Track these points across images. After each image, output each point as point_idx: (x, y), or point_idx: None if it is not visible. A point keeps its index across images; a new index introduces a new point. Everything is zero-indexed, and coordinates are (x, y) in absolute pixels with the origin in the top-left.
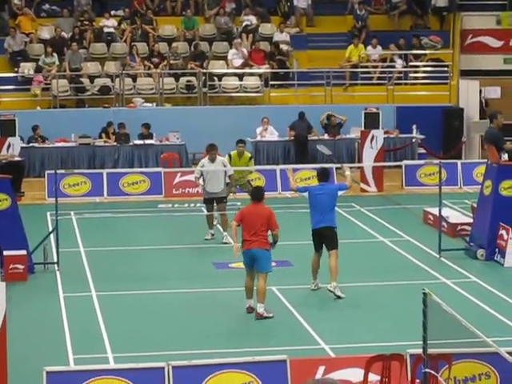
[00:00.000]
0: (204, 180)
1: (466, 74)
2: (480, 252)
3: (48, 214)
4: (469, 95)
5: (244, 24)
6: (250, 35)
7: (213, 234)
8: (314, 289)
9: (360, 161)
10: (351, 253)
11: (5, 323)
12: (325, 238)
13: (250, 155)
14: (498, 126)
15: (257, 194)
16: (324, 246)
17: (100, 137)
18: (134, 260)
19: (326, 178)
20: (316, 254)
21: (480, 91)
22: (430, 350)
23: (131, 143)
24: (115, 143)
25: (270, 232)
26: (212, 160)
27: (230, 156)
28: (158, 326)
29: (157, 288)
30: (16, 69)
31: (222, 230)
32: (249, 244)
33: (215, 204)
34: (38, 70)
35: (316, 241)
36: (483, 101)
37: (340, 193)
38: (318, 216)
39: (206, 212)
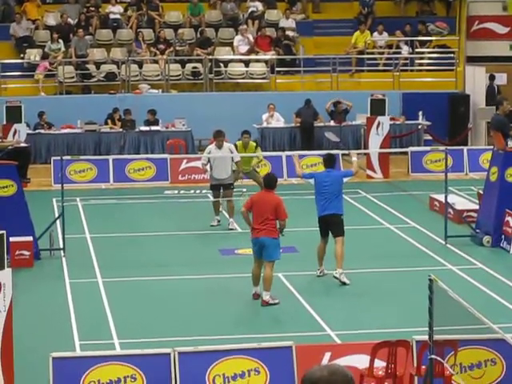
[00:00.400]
0: (211, 166)
1: (473, 60)
2: (486, 238)
3: (54, 200)
4: (475, 82)
5: (250, 10)
6: (256, 21)
7: (219, 221)
8: (319, 275)
9: (366, 147)
10: (357, 239)
11: (11, 309)
12: (330, 224)
13: (255, 144)
14: (504, 113)
15: (269, 182)
16: (330, 233)
17: (106, 123)
18: (139, 246)
19: (332, 164)
20: (322, 240)
21: (493, 77)
22: (436, 337)
23: (137, 129)
24: (121, 129)
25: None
26: (219, 146)
27: (236, 146)
28: (163, 312)
29: (163, 274)
30: (22, 55)
31: (227, 216)
32: (257, 232)
33: (222, 190)
34: (45, 56)
35: (322, 228)
36: (495, 87)
37: (345, 179)
38: (324, 203)
39: (212, 198)
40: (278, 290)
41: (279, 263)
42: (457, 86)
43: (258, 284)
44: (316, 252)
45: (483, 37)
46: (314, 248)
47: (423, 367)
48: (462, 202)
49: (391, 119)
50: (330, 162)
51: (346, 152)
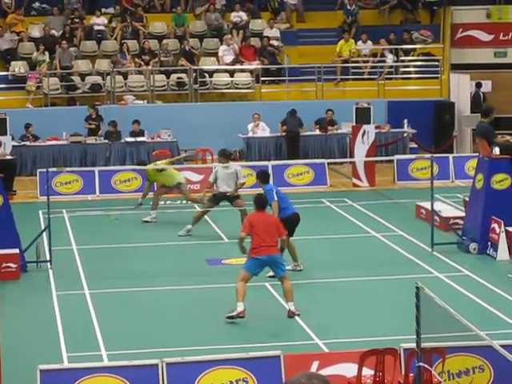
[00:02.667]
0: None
1: (457, 67)
2: (472, 246)
3: (40, 212)
4: (460, 89)
5: (234, 20)
6: (241, 31)
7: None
8: (300, 269)
9: (352, 156)
10: (344, 248)
11: None
12: (296, 222)
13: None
14: (490, 121)
15: (262, 203)
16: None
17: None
18: (126, 257)
19: (268, 179)
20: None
21: (480, 85)
22: (424, 344)
23: (123, 141)
24: (106, 141)
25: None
26: (226, 167)
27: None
28: (151, 323)
29: (150, 285)
30: (7, 66)
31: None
32: (266, 250)
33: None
34: (33, 67)
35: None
36: (481, 94)
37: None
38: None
39: (202, 208)
40: (266, 300)
41: (266, 272)
42: (441, 93)
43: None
44: (293, 249)
45: (467, 44)
46: (300, 257)
47: (411, 375)
48: (448, 209)
49: (376, 127)
50: (267, 176)
51: (333, 161)
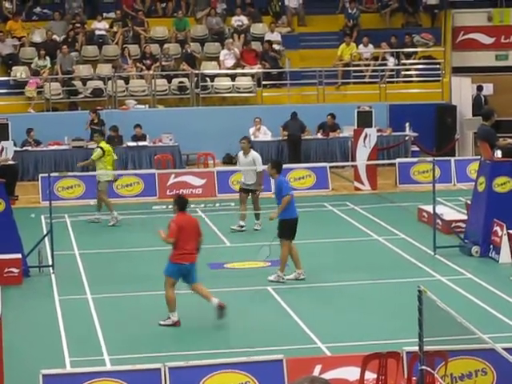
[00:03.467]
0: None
1: (458, 71)
2: (475, 249)
3: (42, 217)
4: (461, 92)
5: (235, 24)
6: (242, 35)
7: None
8: (303, 277)
9: (353, 159)
10: (346, 251)
11: (0, 327)
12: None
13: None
14: (491, 124)
15: (184, 203)
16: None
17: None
18: (128, 262)
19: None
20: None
21: (481, 88)
22: (426, 348)
23: (124, 145)
24: (108, 145)
25: None
26: (245, 153)
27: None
28: (153, 327)
29: (152, 290)
30: (9, 71)
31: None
32: (190, 257)
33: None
34: (34, 73)
35: (294, 229)
36: (482, 97)
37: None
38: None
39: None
40: (268, 303)
41: (268, 275)
42: (443, 96)
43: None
44: (295, 255)
45: (469, 47)
46: (302, 261)
47: (414, 378)
48: (450, 212)
49: (378, 131)
50: (281, 166)
51: (335, 164)
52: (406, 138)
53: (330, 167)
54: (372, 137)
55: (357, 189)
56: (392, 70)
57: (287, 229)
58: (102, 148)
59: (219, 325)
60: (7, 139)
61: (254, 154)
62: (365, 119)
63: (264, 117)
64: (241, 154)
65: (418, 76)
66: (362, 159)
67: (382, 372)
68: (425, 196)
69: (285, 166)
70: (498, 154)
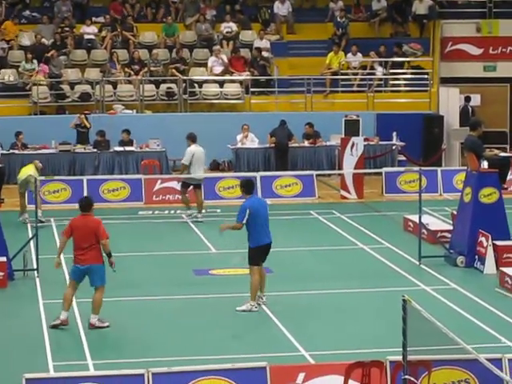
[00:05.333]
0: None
1: (446, 81)
2: (460, 259)
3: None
4: (449, 102)
5: (224, 31)
6: (231, 42)
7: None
8: (255, 310)
9: (340, 168)
10: (331, 259)
11: None
12: (266, 253)
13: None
14: (478, 135)
15: (86, 204)
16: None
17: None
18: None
19: (252, 189)
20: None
21: (469, 98)
22: (410, 357)
23: (111, 150)
24: (95, 150)
25: None
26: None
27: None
28: (137, 332)
29: (136, 295)
30: None
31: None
32: (83, 260)
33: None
34: (20, 77)
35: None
36: (470, 108)
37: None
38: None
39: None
40: (252, 311)
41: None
42: (431, 106)
43: (69, 309)
44: (253, 285)
45: (457, 58)
46: (287, 268)
47: None
48: (435, 222)
49: (365, 140)
50: (251, 187)
51: (321, 172)
52: (393, 147)
53: (317, 175)
54: (359, 145)
55: (343, 197)
56: (380, 80)
57: (254, 256)
58: None
59: (203, 331)
60: None
61: (187, 148)
62: (352, 128)
63: (252, 124)
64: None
65: (405, 86)
66: (349, 168)
67: (366, 381)
68: (411, 206)
69: (271, 173)
70: (485, 164)
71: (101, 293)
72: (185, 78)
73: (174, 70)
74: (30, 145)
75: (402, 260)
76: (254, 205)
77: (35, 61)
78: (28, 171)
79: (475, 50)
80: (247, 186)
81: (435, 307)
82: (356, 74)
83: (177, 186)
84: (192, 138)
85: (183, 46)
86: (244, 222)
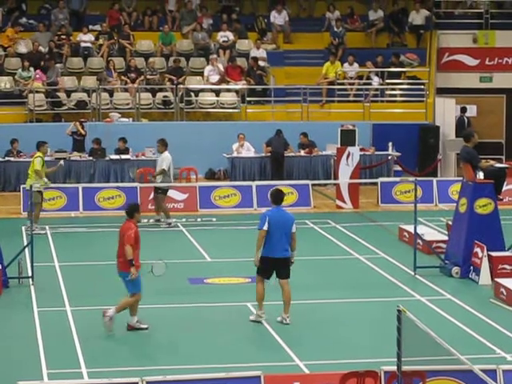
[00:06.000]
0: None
1: (443, 91)
2: (455, 270)
3: (23, 228)
4: (445, 113)
5: (221, 40)
6: (227, 51)
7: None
8: (260, 319)
9: (336, 178)
10: (326, 269)
11: None
12: (277, 268)
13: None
14: (473, 145)
15: (126, 210)
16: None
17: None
18: (108, 275)
19: (278, 200)
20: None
21: (465, 109)
22: (404, 367)
23: (107, 158)
24: (91, 158)
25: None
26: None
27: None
28: (132, 341)
29: None
30: None
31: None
32: (117, 267)
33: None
34: (16, 84)
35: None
36: (465, 119)
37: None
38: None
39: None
40: (247, 320)
41: (248, 293)
42: (427, 117)
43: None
44: (257, 295)
45: (453, 69)
46: None
47: None
48: (431, 232)
49: (361, 150)
50: (277, 198)
51: (317, 182)
52: (389, 157)
53: (313, 185)
54: (355, 155)
55: (338, 207)
56: (376, 90)
57: (261, 266)
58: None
59: (198, 340)
60: None
61: (163, 154)
62: (348, 138)
63: (247, 133)
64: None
65: (402, 96)
66: (345, 178)
67: None
68: (406, 216)
69: (267, 182)
70: (480, 175)
71: (132, 298)
72: (181, 86)
73: (166, 78)
74: (25, 152)
75: (397, 270)
76: (273, 216)
77: (32, 68)
78: (31, 179)
79: (471, 61)
80: (272, 196)
81: (430, 318)
82: (352, 84)
83: (175, 194)
84: (166, 144)
85: (179, 55)
86: (265, 228)
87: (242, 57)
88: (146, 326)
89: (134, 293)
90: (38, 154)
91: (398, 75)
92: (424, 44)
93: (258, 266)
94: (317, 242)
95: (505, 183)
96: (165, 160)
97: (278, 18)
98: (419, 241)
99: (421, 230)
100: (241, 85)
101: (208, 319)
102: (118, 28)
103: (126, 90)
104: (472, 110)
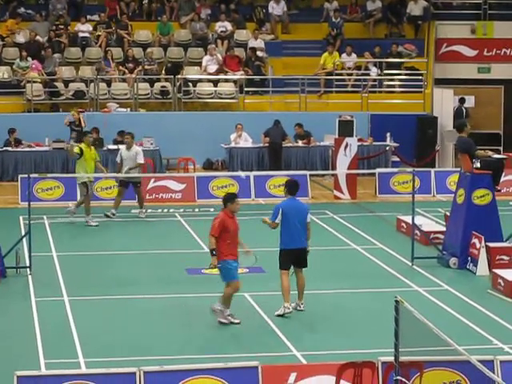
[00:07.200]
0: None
1: (441, 82)
2: (452, 260)
3: (21, 218)
4: (443, 104)
5: (219, 30)
6: (225, 41)
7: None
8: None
9: (334, 168)
10: (324, 260)
11: None
12: (298, 258)
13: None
14: (467, 134)
15: (231, 196)
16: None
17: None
18: (106, 265)
19: (293, 191)
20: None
21: (463, 100)
22: (402, 358)
23: (105, 148)
24: None
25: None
26: (128, 147)
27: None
28: (130, 331)
29: (129, 293)
30: None
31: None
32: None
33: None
34: (14, 74)
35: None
36: (464, 109)
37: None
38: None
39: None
40: (244, 310)
41: (246, 283)
42: (425, 107)
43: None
44: (282, 288)
45: (451, 59)
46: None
47: None
48: (428, 223)
49: (359, 140)
50: (292, 188)
51: (315, 173)
52: (387, 148)
53: (310, 175)
54: (353, 146)
55: (336, 198)
56: (374, 80)
57: (280, 258)
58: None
59: (196, 330)
60: None
61: (136, 148)
62: (346, 128)
63: (245, 123)
64: (123, 148)
65: (400, 86)
66: (343, 168)
67: (357, 381)
68: (404, 206)
69: (265, 173)
70: (477, 164)
71: (228, 288)
72: (179, 76)
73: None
74: (23, 142)
75: (394, 261)
76: (287, 206)
77: (29, 58)
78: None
79: (470, 52)
80: (287, 186)
81: (427, 308)
82: (350, 75)
83: (172, 185)
84: (134, 137)
85: (177, 45)
86: (277, 221)
87: (240, 47)
88: (238, 321)
89: (228, 282)
90: (81, 145)
91: (396, 66)
92: (422, 35)
93: (280, 260)
94: (314, 233)
95: (503, 174)
96: (140, 154)
97: (277, 8)
98: (417, 231)
99: (418, 220)
100: (239, 75)
101: (205, 310)
102: (116, 18)
103: (123, 80)
104: (470, 101)
